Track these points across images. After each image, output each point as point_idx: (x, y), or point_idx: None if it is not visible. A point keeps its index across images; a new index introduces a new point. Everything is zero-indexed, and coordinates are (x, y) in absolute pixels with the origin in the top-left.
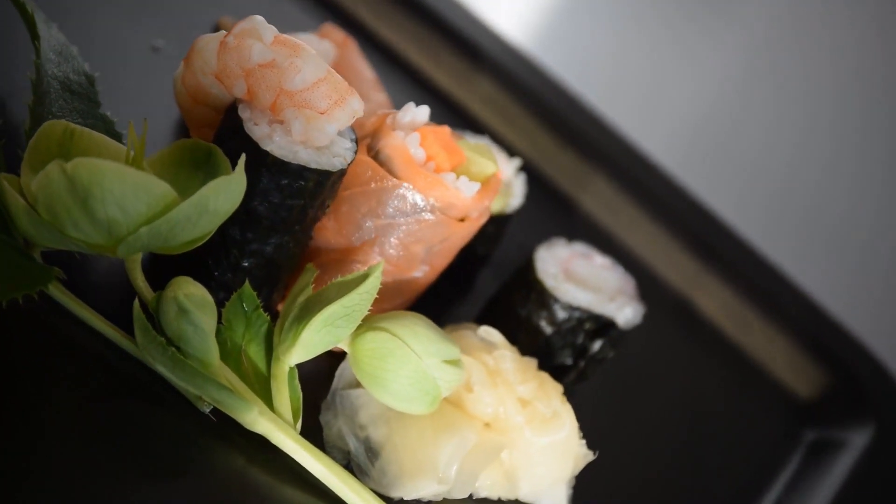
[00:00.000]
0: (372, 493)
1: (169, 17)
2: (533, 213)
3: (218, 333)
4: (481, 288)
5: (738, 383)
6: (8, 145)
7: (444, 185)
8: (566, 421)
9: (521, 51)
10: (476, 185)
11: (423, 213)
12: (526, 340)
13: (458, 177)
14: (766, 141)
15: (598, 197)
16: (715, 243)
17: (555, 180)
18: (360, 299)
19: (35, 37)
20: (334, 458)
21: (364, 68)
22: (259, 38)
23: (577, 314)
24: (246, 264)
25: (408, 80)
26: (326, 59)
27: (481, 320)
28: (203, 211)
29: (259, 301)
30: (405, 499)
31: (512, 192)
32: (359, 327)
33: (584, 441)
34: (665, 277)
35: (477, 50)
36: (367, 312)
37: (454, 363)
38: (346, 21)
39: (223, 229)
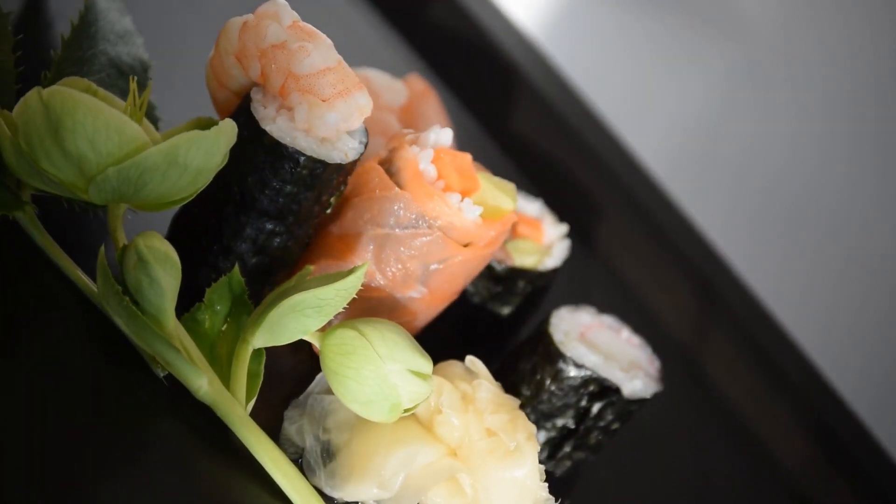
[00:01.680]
0: (305, 479)
1: None
2: (587, 285)
3: (197, 311)
4: (501, 342)
5: None
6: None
7: (445, 201)
8: (528, 458)
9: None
10: (479, 209)
11: (421, 228)
12: (527, 393)
13: (462, 199)
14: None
15: (661, 283)
16: (787, 371)
17: (613, 256)
18: (336, 294)
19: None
20: (285, 451)
21: (436, 119)
22: (278, 20)
23: (582, 373)
24: (237, 249)
25: (493, 143)
26: (395, 100)
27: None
28: (172, 161)
29: (246, 288)
30: (346, 500)
31: (550, 252)
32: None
33: (545, 485)
34: (719, 385)
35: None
36: (342, 310)
37: (421, 376)
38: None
39: (218, 209)
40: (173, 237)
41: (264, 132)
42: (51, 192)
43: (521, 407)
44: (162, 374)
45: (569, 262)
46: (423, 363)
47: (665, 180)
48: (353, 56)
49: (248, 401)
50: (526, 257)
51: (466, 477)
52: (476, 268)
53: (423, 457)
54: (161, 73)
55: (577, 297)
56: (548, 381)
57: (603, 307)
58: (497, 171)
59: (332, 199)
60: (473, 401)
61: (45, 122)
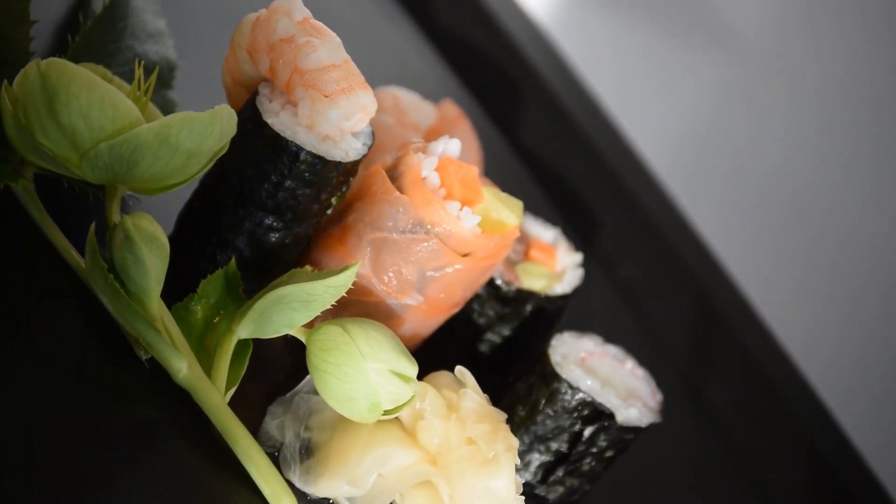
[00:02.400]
0: (275, 468)
1: None
2: (601, 313)
3: (190, 301)
4: (506, 365)
5: None
6: None
7: (443, 207)
8: (505, 469)
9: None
10: (478, 219)
11: (419, 233)
12: (522, 413)
13: (462, 208)
14: None
15: (674, 310)
16: (795, 406)
17: (632, 288)
18: (325, 290)
19: None
20: (262, 444)
21: (464, 145)
22: (289, 15)
23: (576, 396)
24: (235, 242)
25: (528, 172)
26: (423, 120)
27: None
28: (164, 141)
29: (241, 282)
30: (318, 496)
31: (562, 279)
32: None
33: (522, 498)
34: (725, 419)
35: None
36: (329, 307)
37: (404, 378)
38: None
39: (218, 201)
40: (178, 230)
41: (265, 124)
42: (48, 169)
43: (516, 428)
44: (145, 358)
45: (585, 291)
46: (407, 366)
47: (672, 191)
48: (397, 80)
49: (227, 389)
50: (535, 281)
51: (444, 485)
52: (475, 280)
53: (400, 459)
54: (187, 74)
55: (589, 325)
56: (542, 402)
57: (613, 336)
58: (525, 199)
59: (334, 200)
60: (458, 409)
61: (42, 94)
